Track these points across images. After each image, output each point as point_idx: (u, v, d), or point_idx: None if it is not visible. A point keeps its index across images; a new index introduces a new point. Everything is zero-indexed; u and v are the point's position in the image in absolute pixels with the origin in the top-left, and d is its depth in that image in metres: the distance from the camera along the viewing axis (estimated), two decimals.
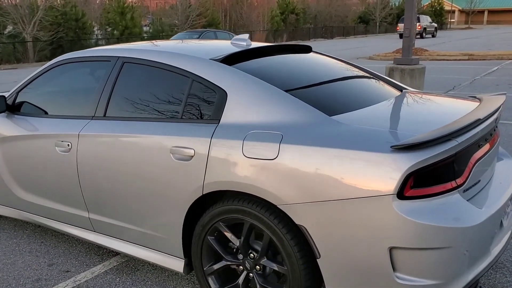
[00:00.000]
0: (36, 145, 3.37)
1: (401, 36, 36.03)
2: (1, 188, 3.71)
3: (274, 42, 35.34)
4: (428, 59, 18.97)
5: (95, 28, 29.12)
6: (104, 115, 3.08)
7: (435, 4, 60.25)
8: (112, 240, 3.18)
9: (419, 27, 36.29)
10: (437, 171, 2.18)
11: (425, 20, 38.81)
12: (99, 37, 28.70)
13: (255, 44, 3.32)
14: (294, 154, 2.32)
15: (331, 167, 2.23)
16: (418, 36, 36.23)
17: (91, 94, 3.21)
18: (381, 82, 3.35)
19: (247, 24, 35.52)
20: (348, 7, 51.93)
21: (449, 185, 2.21)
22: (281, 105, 2.51)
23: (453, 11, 73.00)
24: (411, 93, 3.27)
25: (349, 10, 50.82)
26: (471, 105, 2.84)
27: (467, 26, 67.20)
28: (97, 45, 26.86)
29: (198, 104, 2.76)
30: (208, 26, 31.56)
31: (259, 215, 2.44)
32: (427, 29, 38.94)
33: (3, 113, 3.62)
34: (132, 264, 3.40)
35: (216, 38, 19.35)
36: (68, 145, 3.15)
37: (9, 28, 23.44)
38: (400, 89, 3.35)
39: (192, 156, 2.61)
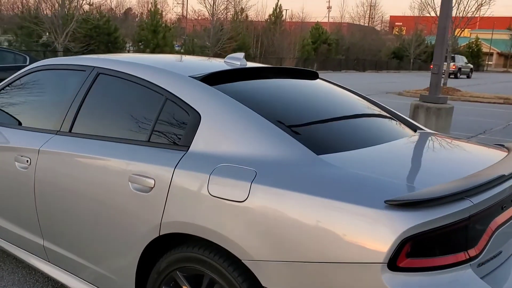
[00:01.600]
0: None
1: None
2: None
3: None
4: (460, 99, 18.30)
5: (129, 44, 29.42)
6: (70, 131, 2.70)
7: (473, 45, 59.32)
8: (66, 275, 2.75)
9: (453, 67, 35.54)
10: (444, 238, 1.70)
11: (461, 60, 38.04)
12: (131, 52, 28.96)
13: (250, 64, 2.90)
14: (267, 198, 1.87)
15: (311, 220, 1.77)
16: (452, 76, 35.48)
17: (60, 105, 2.83)
18: (393, 120, 2.89)
19: (278, 50, 35.38)
20: (383, 41, 51.52)
21: (458, 256, 1.72)
22: (260, 136, 2.07)
23: (491, 54, 71.70)
24: (426, 134, 2.78)
25: (383, 44, 50.37)
26: (497, 155, 2.35)
27: (505, 69, 65.84)
28: None
29: (169, 126, 2.34)
30: (238, 50, 31.53)
31: (221, 269, 1.98)
32: (462, 69, 38.12)
33: None
34: None
35: None
36: (27, 161, 2.77)
37: (44, 37, 23.83)
38: (414, 129, 2.87)
39: (152, 187, 2.19)
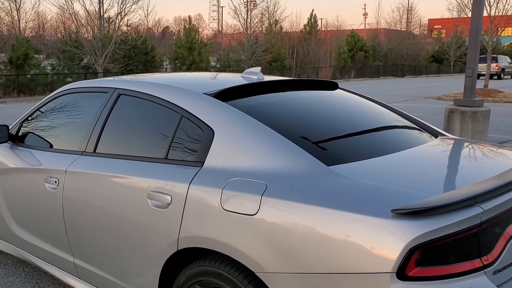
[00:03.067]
0: (29, 180, 3.15)
1: (477, 76, 34.36)
2: (1, 222, 3.51)
3: (341, 78, 34.83)
4: (503, 101, 17.72)
5: (166, 62, 30.04)
6: (94, 151, 2.80)
7: None
8: None
9: (496, 68, 34.48)
10: (455, 245, 1.67)
11: (504, 61, 36.82)
12: (168, 71, 29.55)
13: (267, 78, 2.94)
14: (277, 210, 1.89)
15: (319, 231, 1.78)
16: (495, 77, 34.39)
17: (85, 127, 2.95)
18: (413, 127, 2.85)
19: (314, 60, 35.29)
20: (421, 45, 50.53)
21: (471, 264, 1.69)
22: (270, 149, 2.10)
23: None
24: (446, 140, 2.73)
25: (421, 49, 49.41)
26: None
27: None
28: None
29: (185, 143, 2.40)
30: (273, 61, 31.66)
31: (237, 282, 2.01)
32: (506, 70, 36.88)
33: (6, 143, 3.44)
34: None
35: None
36: (56, 181, 2.88)
37: (85, 60, 24.67)
38: (436, 135, 2.82)
39: (169, 203, 2.24)
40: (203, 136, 2.31)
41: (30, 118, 3.46)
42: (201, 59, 27.63)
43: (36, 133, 3.38)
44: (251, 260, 1.93)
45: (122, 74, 24.41)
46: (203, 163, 2.24)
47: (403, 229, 1.62)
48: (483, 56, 27.64)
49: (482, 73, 27.24)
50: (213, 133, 2.27)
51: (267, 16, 33.99)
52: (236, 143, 2.20)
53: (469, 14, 23.80)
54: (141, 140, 2.64)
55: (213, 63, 31.56)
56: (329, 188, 1.88)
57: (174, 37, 54.92)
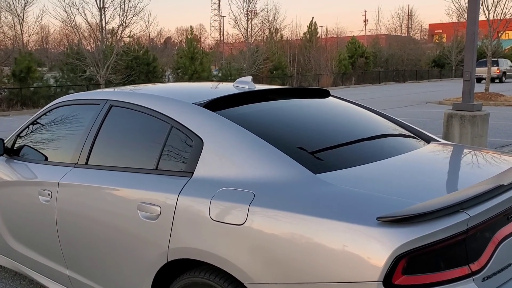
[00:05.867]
0: (23, 192, 3.16)
1: (477, 80, 34.36)
2: None
3: (342, 85, 34.84)
4: (504, 104, 17.68)
5: (168, 72, 30.12)
6: (86, 163, 2.80)
7: None
8: None
9: (497, 71, 34.43)
10: (441, 252, 1.66)
11: (505, 64, 36.78)
12: (171, 80, 29.63)
13: (259, 87, 2.94)
14: (264, 219, 1.89)
15: (305, 240, 1.77)
16: (497, 81, 34.34)
17: (77, 139, 2.95)
18: (404, 133, 2.84)
19: (315, 67, 35.33)
20: (422, 50, 50.51)
21: (460, 271, 1.68)
22: (258, 157, 2.10)
23: None
24: (439, 146, 2.72)
25: (422, 53, 49.39)
26: (508, 164, 2.27)
27: None
28: None
29: (175, 153, 2.40)
30: (274, 70, 31.70)
31: None
32: (507, 73, 36.82)
33: (1, 157, 3.45)
34: None
35: None
36: (49, 194, 2.89)
37: (87, 72, 24.79)
38: (428, 140, 2.82)
39: (159, 214, 2.24)
40: (193, 146, 2.31)
41: (25, 131, 3.47)
42: (203, 68, 27.71)
43: (31, 146, 3.39)
44: (239, 270, 1.93)
45: (124, 85, 24.51)
46: (193, 173, 2.24)
47: (389, 237, 1.61)
48: (484, 60, 27.63)
49: (483, 76, 27.18)
50: (202, 142, 2.27)
51: (268, 25, 34.15)
52: (224, 153, 2.20)
53: None
54: (132, 151, 2.65)
55: (215, 72, 31.64)
56: (315, 196, 1.87)
57: (176, 47, 55.13)
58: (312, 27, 37.50)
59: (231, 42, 38.54)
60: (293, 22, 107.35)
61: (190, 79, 27.32)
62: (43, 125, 3.39)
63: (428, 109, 16.49)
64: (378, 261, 1.60)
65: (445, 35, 64.57)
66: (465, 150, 2.68)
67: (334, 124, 2.72)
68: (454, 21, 41.72)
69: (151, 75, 26.36)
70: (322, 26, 43.77)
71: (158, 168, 2.42)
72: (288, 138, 2.33)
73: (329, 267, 1.71)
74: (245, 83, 2.92)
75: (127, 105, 2.75)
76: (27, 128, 3.47)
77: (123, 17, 22.94)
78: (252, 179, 2.04)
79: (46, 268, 3.11)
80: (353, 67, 38.85)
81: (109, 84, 23.72)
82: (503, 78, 35.83)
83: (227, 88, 3.01)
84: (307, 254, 1.76)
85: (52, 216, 2.87)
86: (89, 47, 24.43)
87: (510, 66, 37.89)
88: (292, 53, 35.97)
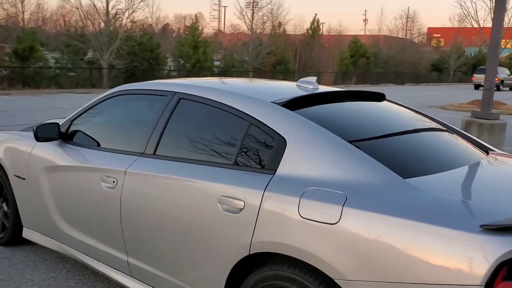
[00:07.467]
0: (82, 178, 3.20)
1: (476, 87, 34.67)
2: (46, 218, 3.56)
3: (342, 84, 34.98)
4: (507, 113, 17.91)
5: (169, 60, 30.05)
6: (154, 153, 2.86)
7: None
8: None
9: (496, 79, 34.73)
10: None
11: (503, 72, 37.10)
12: (172, 68, 29.57)
13: (322, 88, 3.01)
14: (359, 220, 1.96)
15: (404, 242, 1.85)
16: (495, 89, 34.65)
17: (143, 129, 3.00)
18: (465, 141, 2.93)
19: (316, 64, 35.44)
20: (422, 54, 50.79)
21: None
22: (347, 160, 2.17)
23: None
24: (500, 156, 2.82)
25: (422, 57, 49.67)
26: None
27: None
28: (168, 75, 27.65)
29: (254, 150, 2.47)
30: (277, 64, 31.75)
31: (312, 287, 2.08)
32: (505, 81, 37.18)
33: (55, 141, 3.49)
34: None
35: None
36: (114, 181, 2.94)
37: (89, 54, 24.66)
38: (486, 150, 2.91)
39: (242, 209, 2.31)
40: (274, 145, 2.38)
41: (80, 117, 3.50)
42: (206, 58, 27.69)
43: (87, 132, 3.43)
44: (330, 267, 2.00)
45: (127, 70, 24.41)
46: (275, 170, 2.31)
47: (493, 245, 1.69)
48: (483, 67, 27.85)
49: (482, 84, 27.47)
50: (285, 142, 2.34)
51: (271, 18, 34.13)
52: (310, 153, 2.27)
53: (475, 25, 24.04)
54: (206, 144, 2.70)
55: (216, 63, 31.60)
56: (410, 200, 1.95)
57: (174, 34, 54.83)
58: (315, 24, 37.55)
59: (234, 33, 38.45)
60: (296, 17, 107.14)
61: (193, 67, 27.31)
62: (101, 112, 3.43)
63: (434, 114, 16.59)
64: (482, 267, 1.69)
65: (443, 40, 64.90)
66: None
67: (404, 130, 2.80)
68: (455, 26, 42.04)
69: (154, 62, 26.32)
70: (323, 23, 43.68)
71: (235, 163, 2.48)
72: (369, 142, 2.41)
73: (427, 269, 1.79)
74: (310, 83, 2.98)
75: (199, 99, 2.80)
76: (82, 114, 3.51)
77: (130, 1, 22.84)
78: (341, 180, 2.11)
79: (100, 252, 3.17)
80: (354, 67, 39.00)
81: (111, 68, 23.65)
82: (501, 86, 36.16)
83: (292, 87, 3.08)
84: (404, 255, 1.83)
85: (116, 203, 2.92)
86: (93, 30, 24.29)
87: (508, 74, 38.27)
88: (294, 48, 36.03)
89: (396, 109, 3.08)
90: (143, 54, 25.56)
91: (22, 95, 19.13)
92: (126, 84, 3.42)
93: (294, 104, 2.54)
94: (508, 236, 1.71)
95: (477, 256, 1.71)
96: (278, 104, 2.53)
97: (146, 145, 2.91)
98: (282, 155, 2.32)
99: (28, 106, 15.20)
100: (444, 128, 3.05)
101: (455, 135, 2.98)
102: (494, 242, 1.70)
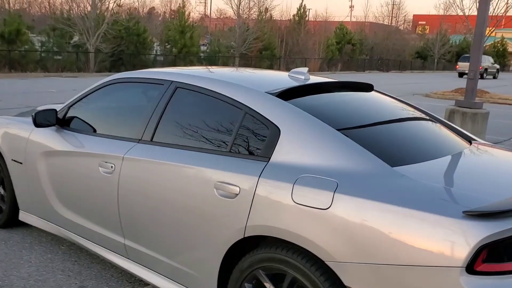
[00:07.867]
0: (80, 163, 3.28)
1: (460, 75, 35.09)
2: (43, 202, 3.65)
3: (328, 70, 35.15)
4: (489, 101, 18.25)
5: (155, 44, 29.85)
6: (151, 140, 2.95)
7: (498, 45, 58.46)
8: (145, 270, 3.02)
9: (479, 68, 35.16)
10: None
11: (487, 61, 37.58)
12: (158, 52, 29.39)
13: (314, 79, 3.12)
14: (349, 206, 2.09)
15: (391, 226, 1.99)
16: (479, 77, 35.11)
17: (140, 116, 3.10)
18: (450, 131, 3.08)
19: (302, 51, 35.51)
20: (406, 41, 51.11)
21: None
22: (338, 149, 2.30)
23: None
24: (483, 146, 2.97)
25: (407, 44, 50.00)
26: None
27: None
28: (155, 60, 27.47)
29: (249, 138, 2.58)
30: (264, 50, 31.75)
31: (304, 269, 2.21)
32: (489, 70, 37.70)
33: (53, 127, 3.56)
34: None
35: None
36: (112, 166, 3.03)
37: (75, 38, 24.38)
38: (469, 140, 3.06)
39: (237, 194, 2.43)
40: (268, 133, 2.49)
41: (78, 103, 3.58)
42: (193, 43, 27.57)
43: (85, 119, 3.51)
44: (322, 250, 2.13)
45: (114, 54, 24.22)
46: (269, 158, 2.43)
47: (474, 229, 1.84)
48: (467, 55, 28.21)
49: (466, 72, 27.80)
50: (279, 130, 2.46)
51: (258, 3, 34.00)
52: (303, 142, 2.39)
53: (459, 13, 24.27)
54: (202, 132, 2.80)
55: (202, 48, 31.46)
56: (398, 187, 2.09)
57: (160, 18, 54.21)
58: (302, 10, 37.52)
59: (220, 18, 38.26)
60: (283, 3, 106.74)
61: (179, 53, 27.18)
62: (98, 99, 3.51)
63: (417, 102, 16.84)
64: (465, 250, 1.83)
65: (428, 27, 65.27)
66: (507, 151, 2.93)
67: (391, 119, 2.93)
68: (440, 14, 42.35)
69: (141, 46, 26.12)
70: (309, 9, 43.63)
71: (231, 151, 2.59)
72: (359, 131, 2.54)
73: (413, 252, 1.93)
74: (301, 74, 3.10)
75: (196, 88, 2.90)
76: (79, 101, 3.58)
77: None
78: (332, 169, 2.24)
79: (96, 235, 3.27)
80: (340, 53, 39.15)
81: (98, 52, 23.45)
82: (484, 75, 36.65)
83: (284, 77, 3.18)
84: (392, 239, 1.97)
85: (113, 188, 3.02)
86: (79, 13, 24.01)
87: (491, 63, 38.78)
88: (281, 34, 36.02)
89: (384, 99, 3.21)
90: (129, 38, 25.36)
91: (9, 78, 18.93)
92: (123, 72, 3.50)
93: (287, 94, 2.65)
94: (488, 221, 1.85)
95: (459, 240, 1.85)
96: (272, 94, 2.64)
97: (143, 132, 3.01)
98: (276, 143, 2.44)
99: (15, 89, 15.08)
100: (429, 118, 3.19)
101: (439, 125, 3.12)
102: (475, 226, 1.84)
